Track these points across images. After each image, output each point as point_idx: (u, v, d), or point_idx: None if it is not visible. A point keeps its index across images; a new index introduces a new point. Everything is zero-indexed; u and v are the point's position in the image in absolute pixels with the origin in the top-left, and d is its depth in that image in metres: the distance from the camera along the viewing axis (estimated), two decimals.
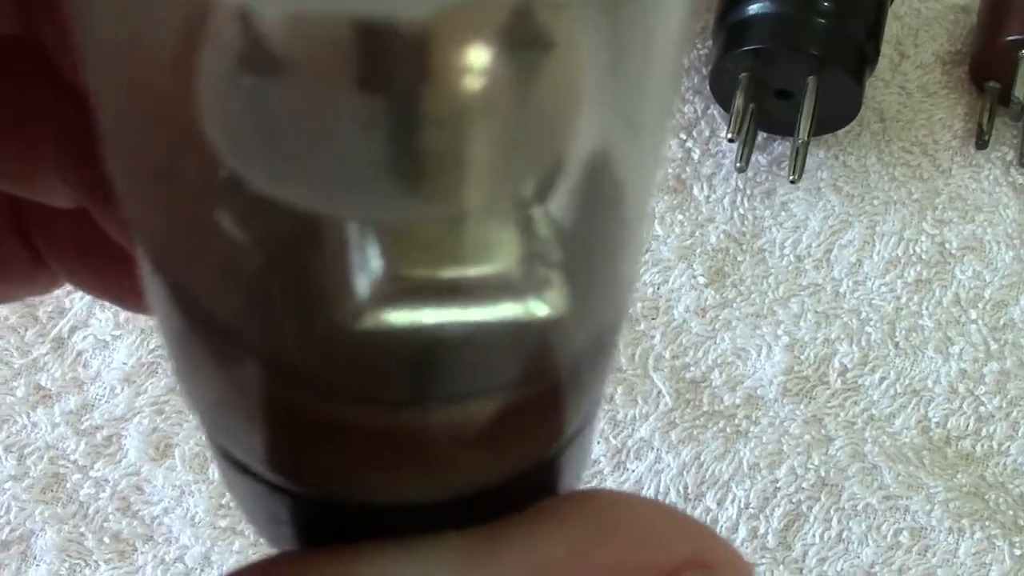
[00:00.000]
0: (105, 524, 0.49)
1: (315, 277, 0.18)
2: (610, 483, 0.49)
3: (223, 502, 0.49)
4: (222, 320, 0.18)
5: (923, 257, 0.55)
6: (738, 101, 0.55)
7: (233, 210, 0.17)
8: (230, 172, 0.16)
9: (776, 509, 0.49)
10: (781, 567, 0.48)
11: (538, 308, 0.18)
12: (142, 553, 0.48)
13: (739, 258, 0.55)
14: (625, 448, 0.50)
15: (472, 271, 0.17)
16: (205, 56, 0.16)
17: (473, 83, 0.15)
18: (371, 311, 0.17)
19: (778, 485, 0.49)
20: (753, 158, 0.57)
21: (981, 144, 0.58)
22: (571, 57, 0.16)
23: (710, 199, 0.56)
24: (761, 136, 0.57)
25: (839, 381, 0.52)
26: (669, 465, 0.50)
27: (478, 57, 0.15)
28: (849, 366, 0.52)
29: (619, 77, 0.17)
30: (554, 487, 0.21)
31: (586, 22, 0.16)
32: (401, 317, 0.17)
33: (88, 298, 0.52)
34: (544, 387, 0.19)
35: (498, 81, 0.16)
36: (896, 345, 0.53)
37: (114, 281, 0.25)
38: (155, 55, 0.16)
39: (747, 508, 0.49)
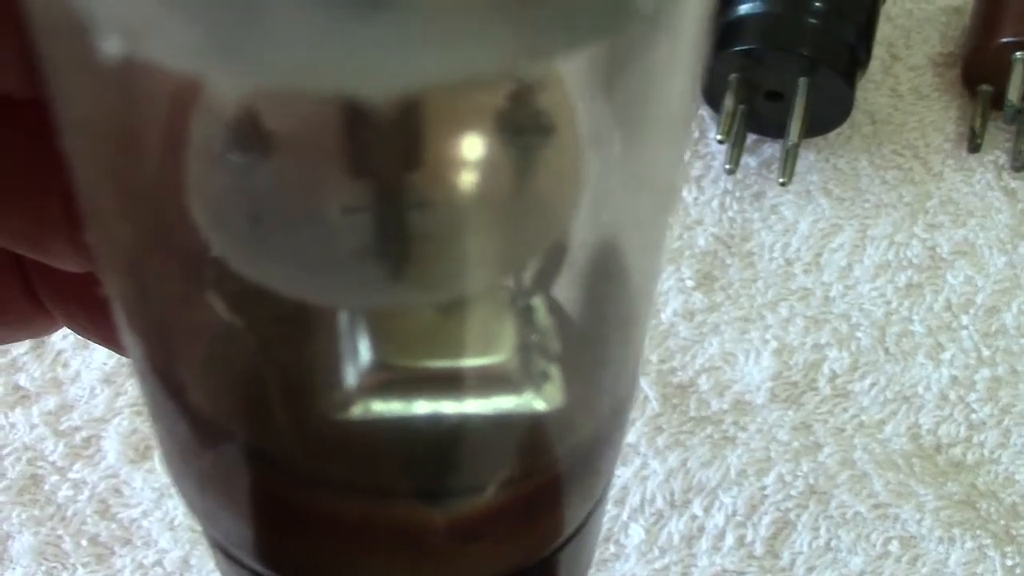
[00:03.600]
0: (83, 527, 0.48)
1: (302, 366, 0.17)
2: None
3: None
4: (206, 408, 0.18)
5: (914, 262, 0.54)
6: (728, 102, 0.54)
7: (217, 296, 0.17)
8: (213, 257, 0.16)
9: (764, 517, 0.48)
10: None
11: (534, 402, 0.18)
12: (120, 556, 0.48)
13: (728, 261, 0.54)
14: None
15: (465, 362, 0.17)
16: (190, 138, 0.15)
17: (463, 168, 0.15)
18: (358, 401, 0.17)
19: (766, 492, 0.49)
20: (743, 160, 0.56)
21: (973, 148, 0.57)
22: (570, 142, 0.16)
23: (698, 201, 0.55)
24: (751, 138, 0.57)
25: (828, 387, 0.51)
26: (655, 471, 0.49)
27: (469, 142, 0.15)
28: (839, 372, 0.52)
29: (621, 160, 0.17)
30: None
31: (585, 104, 0.16)
32: (390, 408, 0.17)
33: None
34: (541, 482, 0.19)
35: (490, 166, 0.15)
36: (886, 351, 0.52)
37: (114, 330, 0.25)
38: (137, 136, 0.16)
39: (734, 515, 0.48)
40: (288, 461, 0.18)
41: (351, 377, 0.17)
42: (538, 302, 0.18)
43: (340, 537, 0.18)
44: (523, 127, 0.15)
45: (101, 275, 0.18)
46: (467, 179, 0.15)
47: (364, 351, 0.17)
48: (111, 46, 0.12)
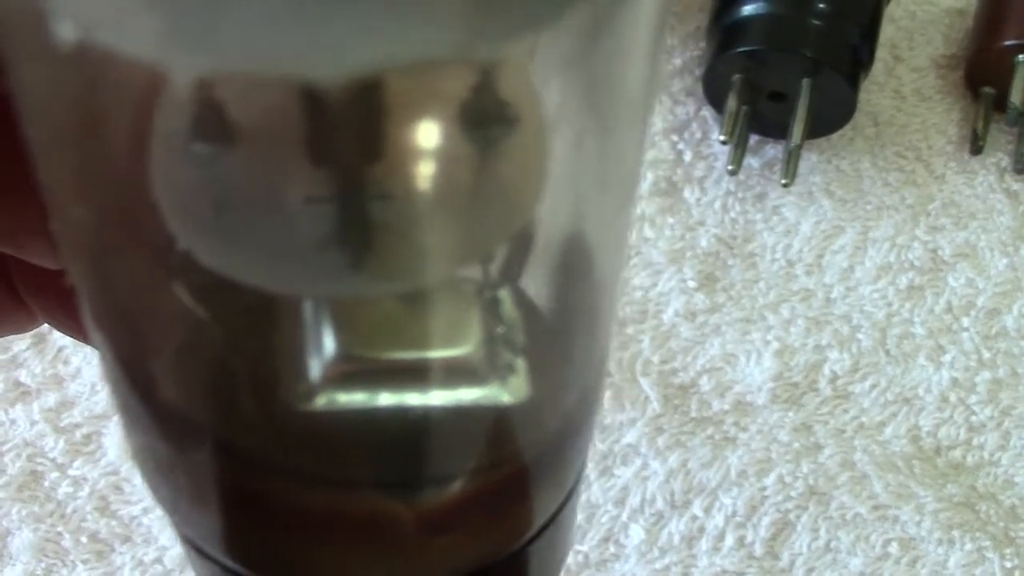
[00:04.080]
0: (83, 524, 0.48)
1: (268, 358, 0.17)
2: (596, 489, 0.48)
3: None
4: (174, 401, 0.18)
5: (916, 264, 0.54)
6: (731, 103, 0.54)
7: (182, 288, 0.17)
8: (177, 248, 0.16)
9: (764, 518, 0.48)
10: None
11: (500, 394, 0.18)
12: (120, 554, 0.47)
13: (729, 262, 0.54)
14: (612, 454, 0.49)
15: (430, 353, 0.17)
16: (152, 126, 0.15)
17: (423, 158, 0.15)
18: (323, 392, 0.17)
19: (766, 493, 0.49)
20: (745, 161, 0.56)
21: (976, 150, 0.57)
22: (532, 132, 0.16)
23: (701, 202, 0.55)
24: (753, 139, 0.57)
25: (829, 388, 0.51)
26: (656, 471, 0.49)
27: (430, 132, 0.15)
28: (839, 373, 0.52)
29: (582, 149, 0.17)
30: None
31: (546, 92, 0.16)
32: (355, 399, 0.17)
33: None
34: (508, 473, 0.19)
35: (452, 157, 0.15)
36: (887, 352, 0.52)
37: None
38: (97, 125, 0.15)
39: (734, 516, 0.48)
40: (255, 453, 0.18)
41: (316, 368, 0.17)
42: (504, 294, 0.18)
43: (308, 530, 0.18)
44: (485, 118, 0.15)
45: (67, 268, 0.18)
46: (428, 170, 0.15)
47: (329, 342, 0.17)
48: (67, 32, 0.12)
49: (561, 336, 0.19)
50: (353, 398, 0.17)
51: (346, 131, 0.14)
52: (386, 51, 0.12)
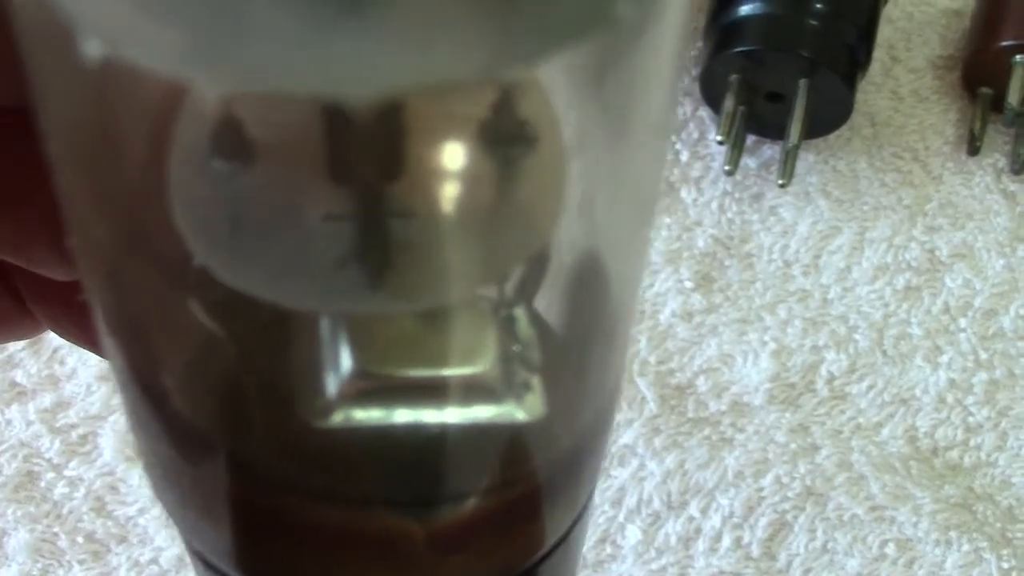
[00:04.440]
0: (79, 524, 0.48)
1: (283, 374, 0.17)
2: None
3: None
4: (187, 415, 0.18)
5: (913, 264, 0.54)
6: (728, 103, 0.54)
7: (198, 303, 0.17)
8: (195, 264, 0.16)
9: (761, 518, 0.48)
10: None
11: (515, 412, 0.18)
12: (116, 554, 0.47)
13: (726, 263, 0.54)
14: (608, 454, 0.49)
15: (446, 372, 0.17)
16: (174, 143, 0.15)
17: (444, 178, 0.15)
18: (339, 409, 0.17)
19: (763, 494, 0.49)
20: (742, 161, 0.56)
21: (973, 150, 0.57)
22: (552, 152, 0.16)
23: (698, 202, 0.55)
24: (751, 139, 0.57)
25: (826, 389, 0.51)
26: (653, 472, 0.49)
27: (450, 152, 0.15)
28: (836, 374, 0.52)
29: (602, 170, 0.17)
30: None
31: (567, 113, 0.16)
32: (370, 416, 0.17)
33: None
34: (522, 492, 0.18)
35: (472, 176, 0.15)
36: (884, 353, 0.52)
37: (98, 334, 0.25)
38: (118, 141, 0.15)
39: (731, 517, 0.48)
40: (269, 469, 0.18)
41: (332, 385, 0.17)
42: (520, 313, 0.18)
43: (319, 547, 0.18)
44: (505, 137, 0.15)
45: (83, 281, 0.18)
46: (448, 189, 0.15)
47: (346, 359, 0.17)
48: (92, 49, 0.12)
49: (576, 355, 0.19)
50: (369, 415, 0.17)
51: (366, 149, 0.14)
52: (411, 73, 0.12)
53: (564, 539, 0.20)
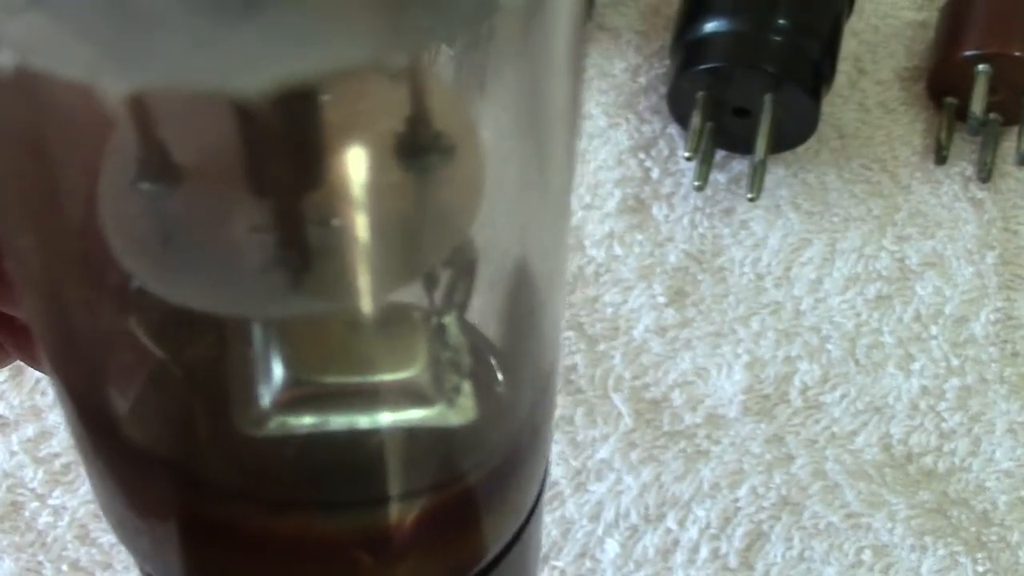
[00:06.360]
0: (64, 552, 0.48)
1: (218, 386, 0.17)
2: (570, 505, 0.49)
3: None
4: (128, 435, 0.18)
5: (883, 273, 0.55)
6: (695, 120, 0.55)
7: (134, 321, 0.17)
8: (127, 282, 0.16)
9: (737, 529, 0.49)
10: None
11: (446, 416, 0.18)
12: None
13: (699, 277, 0.55)
14: (585, 469, 0.50)
15: (377, 377, 0.17)
16: (102, 165, 0.16)
17: (357, 186, 0.15)
18: (275, 417, 0.17)
19: (739, 505, 0.49)
20: (712, 176, 0.57)
21: (940, 160, 0.58)
22: (464, 153, 0.16)
23: (669, 218, 0.56)
24: (720, 154, 0.57)
25: (800, 399, 0.52)
26: (630, 486, 0.49)
27: (365, 161, 0.15)
28: (810, 384, 0.52)
29: (513, 164, 0.17)
30: None
31: (473, 112, 0.16)
32: (306, 423, 0.17)
33: None
34: (459, 496, 0.19)
35: (385, 185, 0.16)
36: (857, 362, 0.53)
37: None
38: (42, 159, 0.16)
39: (708, 528, 0.49)
40: (209, 481, 0.18)
41: (267, 394, 0.17)
42: (449, 319, 0.18)
43: (264, 559, 0.18)
44: (416, 142, 0.16)
45: (22, 304, 0.18)
46: (362, 196, 0.16)
47: (279, 369, 0.17)
48: (5, 59, 0.13)
49: (505, 359, 0.19)
50: (304, 422, 0.17)
51: (279, 160, 0.15)
52: (306, 61, 0.12)
53: (513, 544, 0.20)
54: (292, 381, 0.17)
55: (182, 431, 0.18)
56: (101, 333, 0.18)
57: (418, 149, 0.16)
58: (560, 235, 0.19)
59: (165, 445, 0.18)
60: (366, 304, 0.17)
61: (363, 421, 0.18)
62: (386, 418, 0.18)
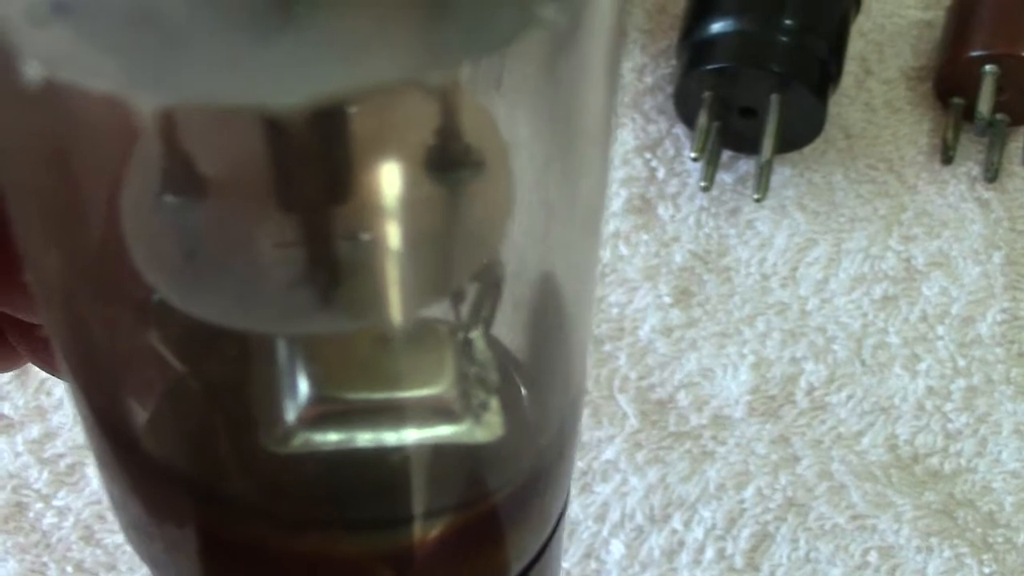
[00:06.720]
0: (68, 553, 0.48)
1: (242, 402, 0.17)
2: (576, 506, 0.49)
3: None
4: (149, 449, 0.18)
5: (889, 274, 0.55)
6: (702, 120, 0.55)
7: (157, 336, 0.17)
8: (150, 295, 0.16)
9: (743, 530, 0.49)
10: None
11: (473, 433, 0.18)
12: None
13: (705, 277, 0.55)
14: (591, 470, 0.50)
15: (403, 394, 0.17)
16: (126, 178, 0.15)
17: (387, 201, 0.15)
18: (299, 433, 0.17)
19: (745, 506, 0.49)
20: (718, 177, 0.57)
21: (946, 160, 0.58)
22: (496, 170, 0.16)
23: (675, 218, 0.56)
24: (726, 155, 0.57)
25: (806, 400, 0.52)
26: (635, 487, 0.49)
27: (395, 176, 0.15)
28: (816, 384, 0.52)
29: (546, 182, 0.17)
30: None
31: (509, 129, 0.16)
32: (330, 440, 0.17)
33: None
34: (483, 514, 0.19)
35: (416, 200, 0.16)
36: (863, 363, 0.53)
37: None
38: (67, 174, 0.16)
39: (714, 529, 0.49)
40: (232, 498, 0.18)
41: (292, 411, 0.17)
42: (477, 335, 0.18)
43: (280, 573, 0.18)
44: (449, 158, 0.15)
45: (42, 317, 0.18)
46: (391, 210, 0.16)
47: (304, 385, 0.17)
48: (32, 72, 0.12)
49: (533, 376, 0.19)
50: (330, 439, 0.17)
51: (309, 175, 0.15)
52: (339, 75, 0.12)
53: (535, 561, 0.20)
54: (317, 397, 0.17)
55: (204, 447, 0.18)
56: (123, 347, 0.18)
57: (449, 164, 0.16)
58: (592, 253, 0.19)
59: (186, 460, 0.18)
60: (395, 321, 0.17)
61: (389, 438, 0.18)
62: (412, 435, 0.18)
